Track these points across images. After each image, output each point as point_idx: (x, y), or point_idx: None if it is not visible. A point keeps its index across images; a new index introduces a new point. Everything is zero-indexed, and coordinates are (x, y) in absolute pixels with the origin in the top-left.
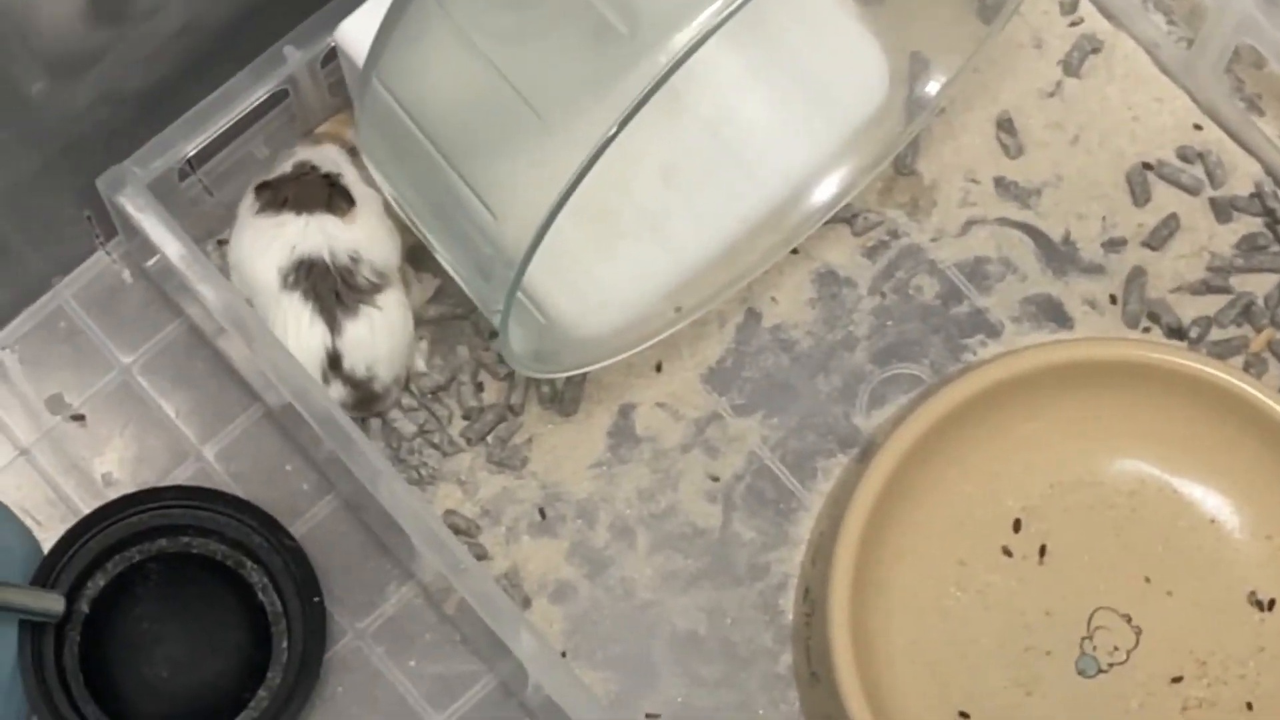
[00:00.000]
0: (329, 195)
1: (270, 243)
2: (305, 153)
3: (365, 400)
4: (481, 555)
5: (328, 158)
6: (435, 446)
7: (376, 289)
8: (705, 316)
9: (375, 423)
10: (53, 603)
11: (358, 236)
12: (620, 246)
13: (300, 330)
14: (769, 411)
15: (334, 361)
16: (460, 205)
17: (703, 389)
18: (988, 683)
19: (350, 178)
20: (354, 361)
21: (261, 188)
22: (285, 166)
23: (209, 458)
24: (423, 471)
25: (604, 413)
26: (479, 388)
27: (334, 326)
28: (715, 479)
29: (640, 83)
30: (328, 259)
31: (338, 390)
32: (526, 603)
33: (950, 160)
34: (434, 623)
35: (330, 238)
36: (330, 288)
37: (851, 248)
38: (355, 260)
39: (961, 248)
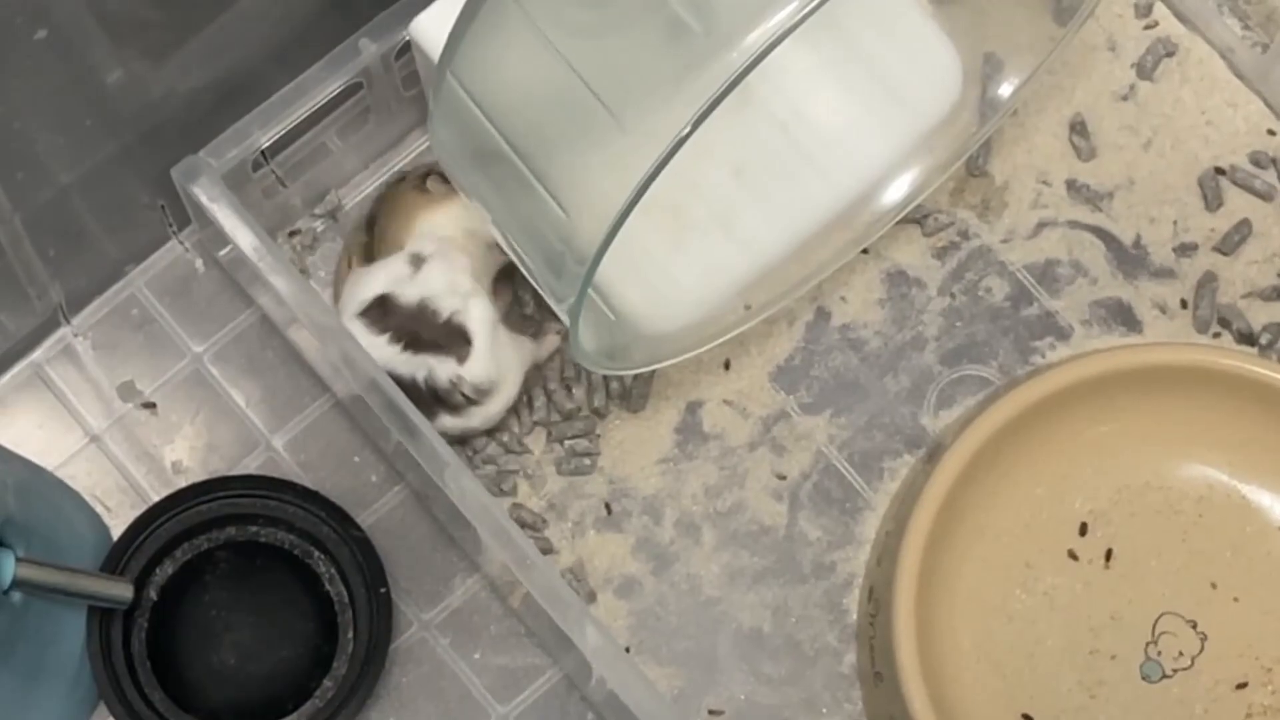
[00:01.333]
0: (446, 340)
1: (367, 347)
2: (431, 266)
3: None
4: (547, 549)
5: (455, 286)
6: (503, 445)
7: (474, 402)
8: (774, 315)
9: None
10: (122, 590)
11: (465, 367)
12: (691, 243)
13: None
14: (836, 411)
15: (435, 395)
16: (532, 201)
17: (771, 387)
18: (1052, 685)
19: (474, 304)
20: (445, 429)
21: (376, 307)
22: (410, 298)
23: (278, 447)
24: (490, 466)
25: (672, 409)
26: (568, 389)
27: (432, 417)
28: (782, 477)
29: (714, 82)
30: (422, 384)
31: (443, 419)
32: (592, 597)
33: (1022, 162)
34: (499, 615)
35: (431, 368)
36: (423, 398)
37: (922, 248)
38: (454, 383)
39: (1032, 250)
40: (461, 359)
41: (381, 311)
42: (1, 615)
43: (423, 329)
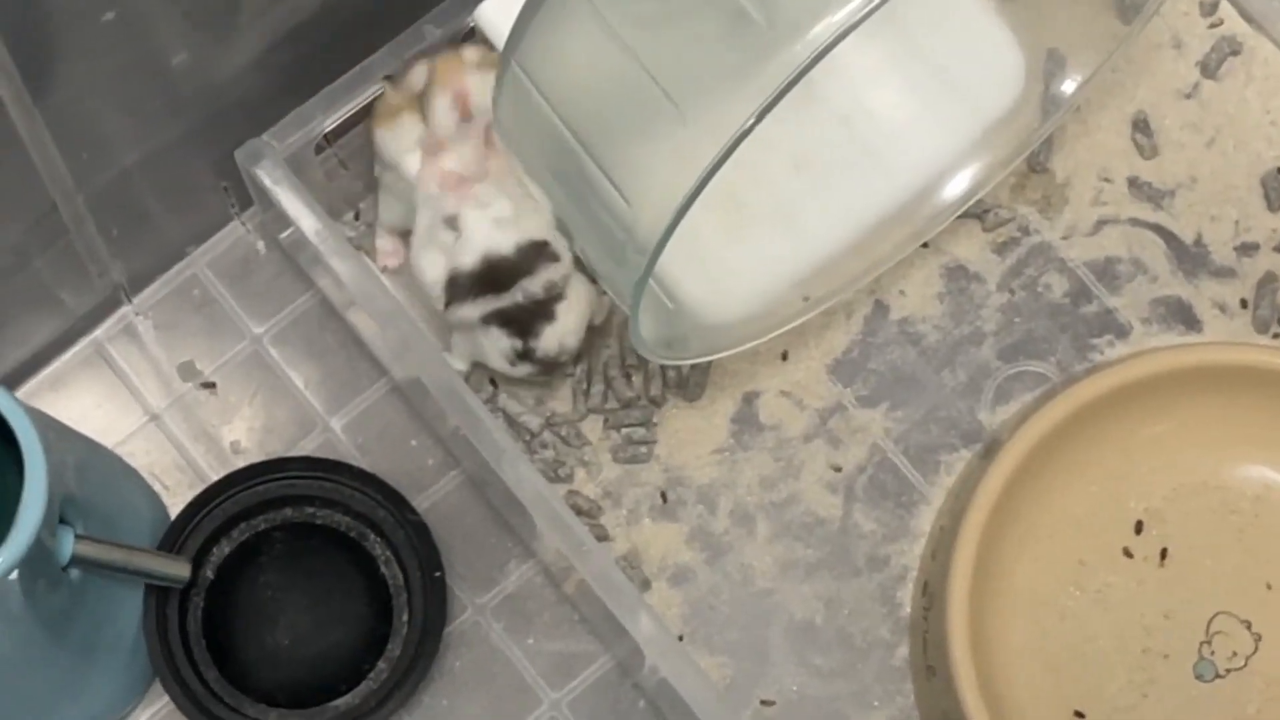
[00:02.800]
0: (534, 320)
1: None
2: (470, 220)
3: (548, 372)
4: (602, 536)
5: (559, 270)
6: (559, 434)
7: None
8: (832, 307)
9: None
10: (180, 568)
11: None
12: (750, 234)
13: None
14: (893, 404)
15: (524, 355)
16: (594, 190)
17: (828, 379)
18: (1104, 683)
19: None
20: (544, 350)
21: (451, 284)
22: (471, 259)
23: (336, 429)
24: (546, 452)
25: (728, 399)
26: (627, 377)
27: (529, 337)
28: (837, 469)
29: (777, 75)
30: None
31: (523, 369)
32: (645, 585)
33: (1084, 158)
34: (553, 602)
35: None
36: (521, 315)
37: (981, 243)
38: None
39: (1092, 247)
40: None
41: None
42: (59, 592)
43: (517, 311)
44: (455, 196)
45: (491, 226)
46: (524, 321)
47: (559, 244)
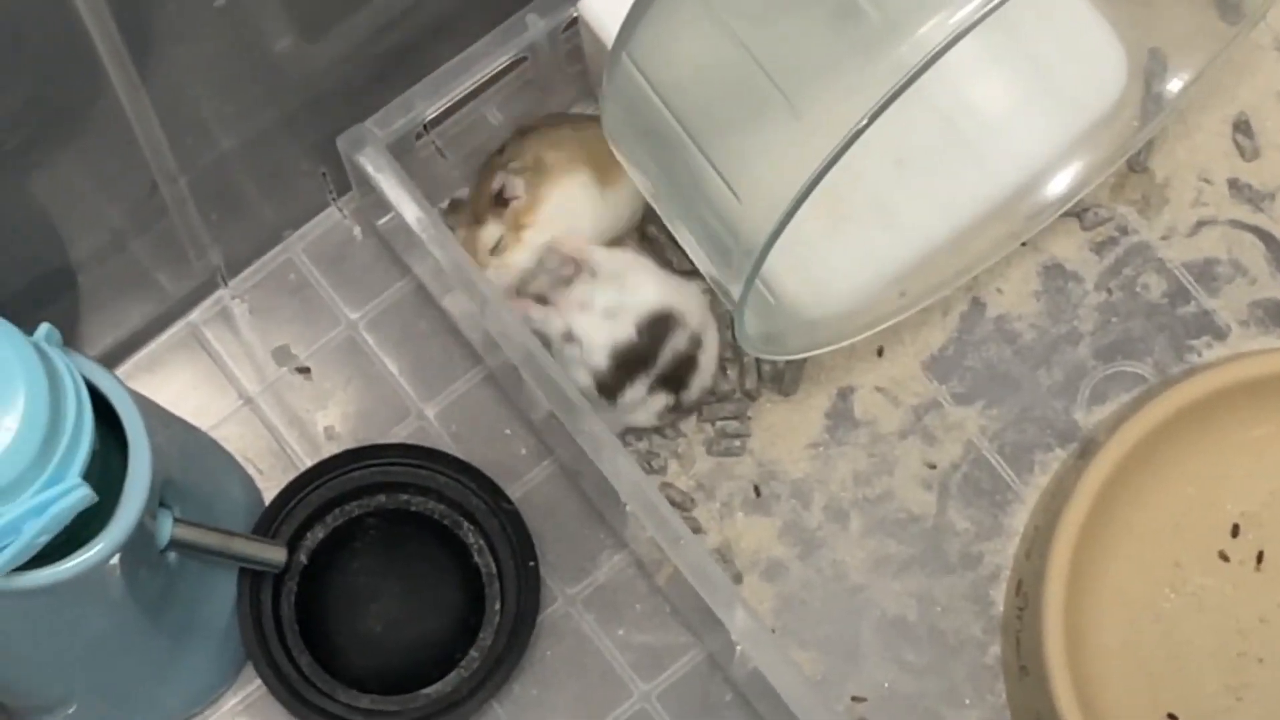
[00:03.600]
0: (685, 375)
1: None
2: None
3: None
4: (695, 529)
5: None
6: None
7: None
8: (929, 304)
9: None
10: (276, 554)
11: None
12: (849, 230)
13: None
14: (989, 402)
15: (674, 408)
16: (703, 186)
17: (923, 376)
18: (1198, 686)
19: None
20: (689, 400)
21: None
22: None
23: (429, 417)
24: (641, 443)
25: (823, 394)
26: (723, 371)
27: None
28: (932, 466)
29: (888, 71)
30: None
31: (667, 419)
32: (738, 579)
33: (1184, 159)
34: (645, 593)
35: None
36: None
37: (1080, 242)
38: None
39: (1191, 248)
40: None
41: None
42: (157, 575)
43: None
44: (556, 311)
45: (604, 319)
46: (679, 378)
47: (679, 299)
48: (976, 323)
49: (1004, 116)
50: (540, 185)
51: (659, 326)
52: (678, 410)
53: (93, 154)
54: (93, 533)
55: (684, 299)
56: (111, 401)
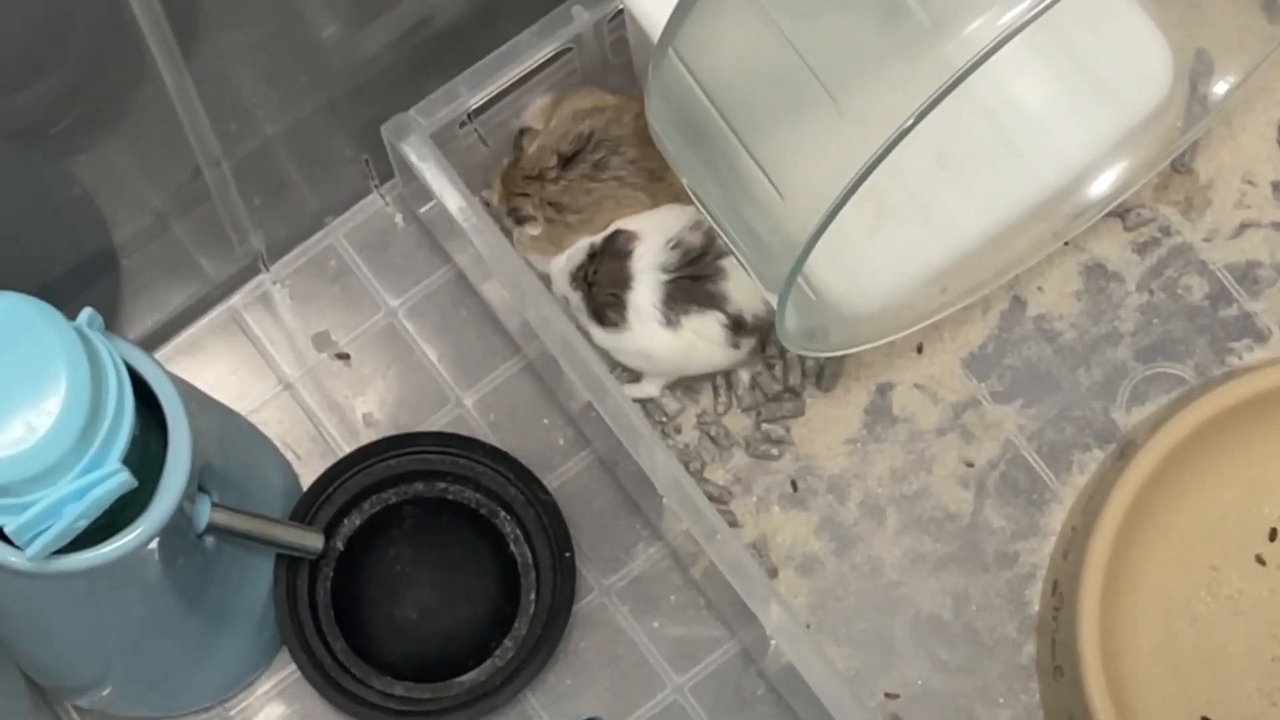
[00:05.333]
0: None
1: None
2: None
3: (764, 341)
4: (731, 523)
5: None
6: (704, 427)
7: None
8: (969, 302)
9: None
10: (313, 540)
11: None
12: (890, 227)
13: (707, 337)
14: (1027, 401)
15: (737, 325)
16: (746, 182)
17: (962, 373)
18: (1233, 690)
19: None
20: (745, 307)
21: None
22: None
23: (468, 405)
24: (679, 436)
25: (862, 390)
26: (770, 368)
27: (723, 304)
28: (969, 464)
29: (935, 70)
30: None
31: (746, 346)
32: (773, 573)
33: (1228, 161)
34: (679, 586)
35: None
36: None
37: (1122, 242)
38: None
39: (1234, 250)
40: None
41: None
42: (195, 559)
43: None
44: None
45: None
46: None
47: None
48: (1017, 321)
49: (1048, 115)
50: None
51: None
52: (748, 332)
53: (137, 138)
54: (131, 517)
55: None
56: (152, 386)
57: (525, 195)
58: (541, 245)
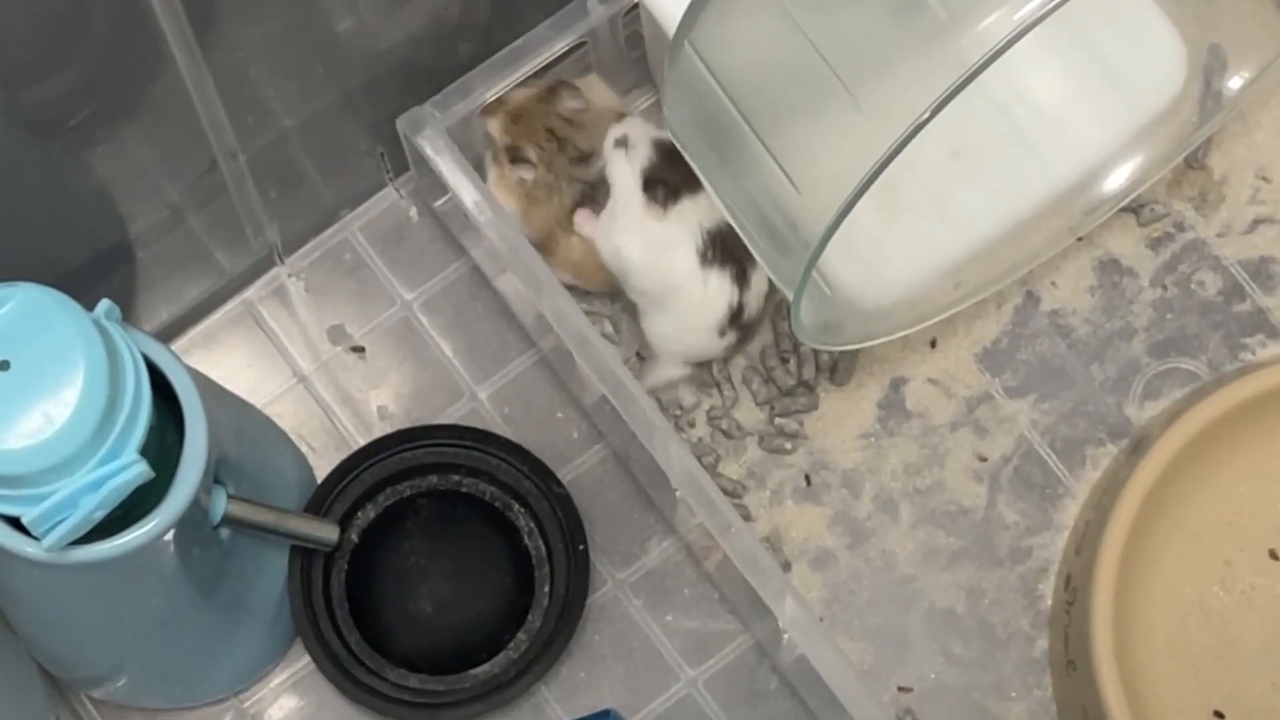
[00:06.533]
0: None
1: (679, 233)
2: (633, 131)
3: (745, 339)
4: (745, 516)
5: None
6: (718, 427)
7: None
8: (984, 296)
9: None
10: (328, 532)
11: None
12: (904, 221)
13: (712, 298)
14: (1041, 396)
15: (735, 315)
16: (761, 176)
17: (976, 368)
18: (1247, 684)
19: None
20: (751, 308)
21: (650, 185)
22: (643, 151)
23: (482, 398)
24: (693, 430)
25: (875, 385)
26: (784, 363)
27: (743, 283)
28: (983, 459)
29: (949, 64)
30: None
31: (730, 338)
32: (787, 567)
33: (1242, 156)
34: (693, 579)
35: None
36: (737, 242)
37: (1136, 238)
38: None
39: (1247, 246)
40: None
41: (654, 187)
42: (210, 551)
43: (680, 164)
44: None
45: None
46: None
47: None
48: (1030, 316)
49: (1062, 110)
50: None
51: None
52: (740, 326)
53: (154, 131)
54: (148, 508)
55: None
56: (169, 378)
57: (533, 138)
58: (517, 192)
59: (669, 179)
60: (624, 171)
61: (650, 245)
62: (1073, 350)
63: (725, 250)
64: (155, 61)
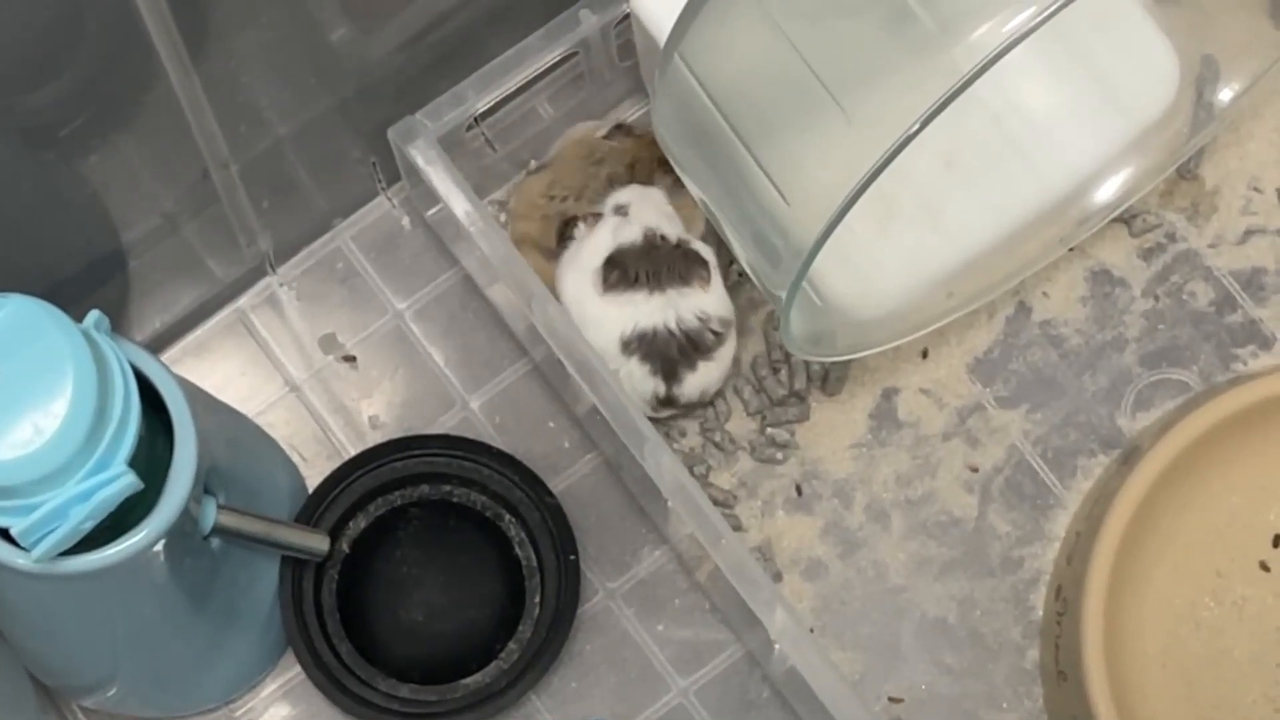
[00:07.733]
0: (686, 268)
1: (616, 316)
2: (638, 206)
3: (692, 412)
4: (736, 527)
5: (665, 214)
6: (710, 438)
7: (720, 340)
8: (976, 307)
9: None
10: (319, 542)
11: (707, 299)
12: (897, 231)
13: (635, 383)
14: (1033, 406)
15: (666, 401)
16: (751, 187)
17: (967, 378)
18: (1237, 696)
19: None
20: (687, 397)
21: (611, 265)
22: (633, 234)
23: (474, 408)
24: (684, 440)
25: (867, 395)
26: (775, 373)
27: (671, 380)
28: (974, 469)
29: (940, 76)
30: (674, 327)
31: (667, 412)
32: (778, 578)
33: (1235, 167)
34: (684, 589)
35: (679, 307)
36: (673, 350)
37: (1128, 248)
38: (703, 320)
39: (1239, 256)
40: (703, 284)
41: (612, 268)
42: (201, 560)
43: (657, 262)
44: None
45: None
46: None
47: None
48: (1022, 326)
49: (1055, 121)
50: None
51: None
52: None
53: (146, 140)
54: (138, 518)
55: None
56: (159, 389)
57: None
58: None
59: (634, 269)
60: (603, 237)
61: (583, 306)
62: (1064, 360)
63: (652, 350)
64: (147, 71)
